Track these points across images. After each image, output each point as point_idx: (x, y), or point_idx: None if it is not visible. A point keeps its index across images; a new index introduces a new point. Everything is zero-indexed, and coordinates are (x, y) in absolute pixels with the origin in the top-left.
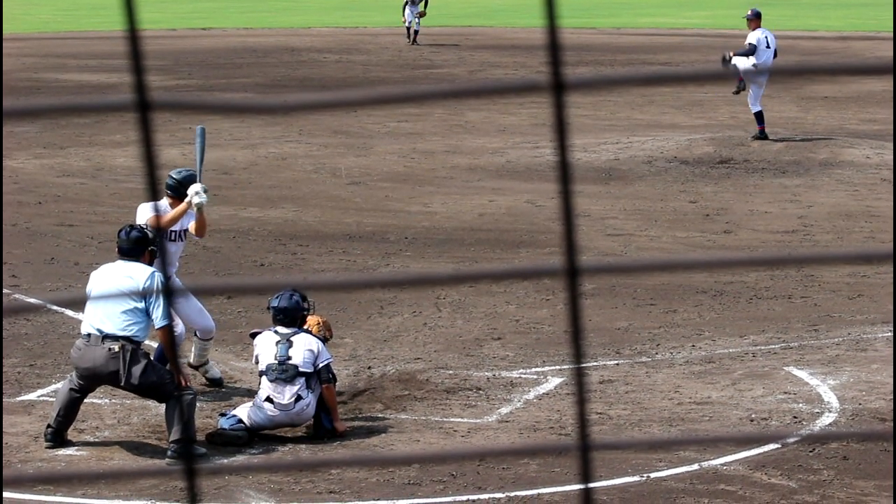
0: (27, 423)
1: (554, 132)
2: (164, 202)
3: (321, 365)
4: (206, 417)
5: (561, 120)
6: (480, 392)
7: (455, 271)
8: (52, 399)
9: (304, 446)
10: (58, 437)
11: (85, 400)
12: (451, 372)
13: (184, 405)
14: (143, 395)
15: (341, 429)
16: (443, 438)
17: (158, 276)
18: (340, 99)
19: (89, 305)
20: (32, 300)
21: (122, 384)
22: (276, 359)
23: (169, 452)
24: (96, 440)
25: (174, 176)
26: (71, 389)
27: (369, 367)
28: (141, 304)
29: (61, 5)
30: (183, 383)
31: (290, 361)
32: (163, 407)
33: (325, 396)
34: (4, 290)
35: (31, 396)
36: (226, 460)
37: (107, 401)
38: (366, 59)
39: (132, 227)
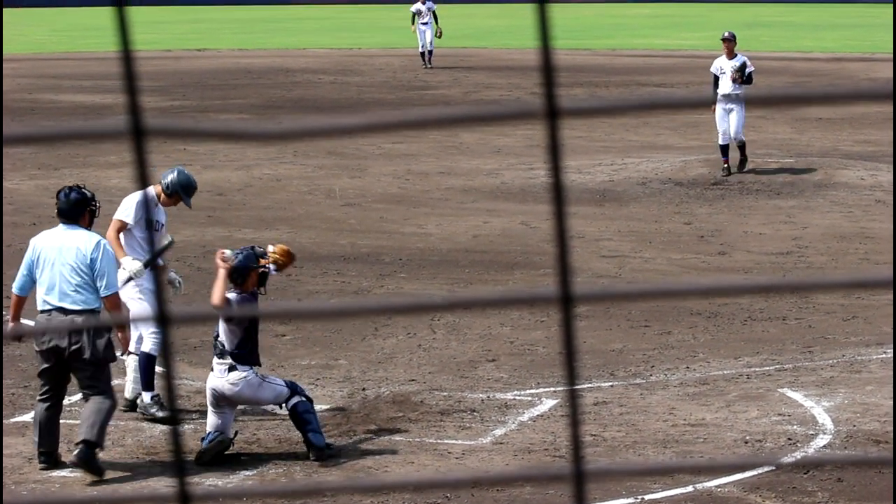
0: (21, 444)
1: (548, 157)
2: (152, 190)
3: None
4: (197, 441)
5: (555, 146)
6: (475, 414)
7: (449, 298)
8: None
9: (298, 468)
10: (50, 458)
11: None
12: (445, 394)
13: (104, 410)
14: (84, 379)
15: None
16: (437, 460)
17: (104, 244)
18: (336, 125)
19: (43, 279)
20: (27, 322)
21: (87, 357)
22: (213, 335)
23: (72, 456)
24: None
25: (170, 176)
26: (41, 407)
27: (364, 389)
28: (93, 275)
29: (56, 26)
30: (124, 346)
31: (217, 338)
32: (156, 427)
33: None
34: None
35: (26, 418)
36: (219, 482)
37: None
38: (360, 80)
39: (71, 188)
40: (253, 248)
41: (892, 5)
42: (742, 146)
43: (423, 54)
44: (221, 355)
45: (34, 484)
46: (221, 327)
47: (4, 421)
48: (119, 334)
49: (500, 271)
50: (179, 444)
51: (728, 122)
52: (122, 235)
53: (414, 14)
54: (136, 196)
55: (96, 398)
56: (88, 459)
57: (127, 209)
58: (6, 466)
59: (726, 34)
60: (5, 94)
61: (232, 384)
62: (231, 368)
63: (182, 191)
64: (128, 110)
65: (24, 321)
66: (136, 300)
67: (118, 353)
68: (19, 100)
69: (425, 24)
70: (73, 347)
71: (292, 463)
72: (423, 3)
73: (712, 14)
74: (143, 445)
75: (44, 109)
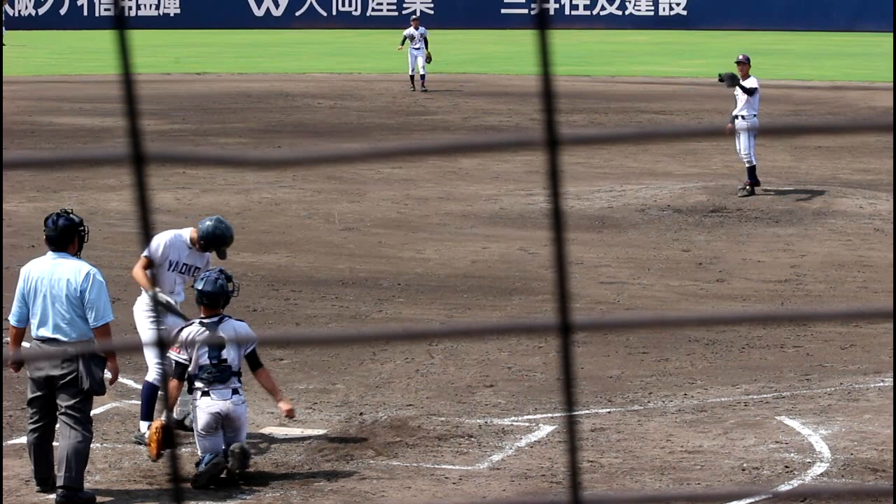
0: (18, 466)
1: (548, 184)
2: (186, 234)
3: (247, 352)
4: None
5: (555, 174)
6: (472, 439)
7: (447, 327)
8: None
9: (294, 492)
10: (46, 483)
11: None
12: (442, 419)
13: (83, 451)
14: (68, 404)
15: (286, 408)
16: (434, 485)
17: (93, 274)
18: (334, 153)
19: (35, 310)
20: (24, 344)
21: (86, 387)
22: (208, 360)
23: (57, 497)
24: (87, 485)
25: (207, 224)
26: (32, 436)
27: (361, 414)
28: (83, 306)
29: (56, 49)
30: (114, 376)
31: (224, 363)
32: (144, 452)
33: (262, 382)
34: None
35: (23, 440)
36: None
37: (98, 445)
38: (360, 105)
39: (59, 215)
40: (222, 270)
41: (891, 34)
42: (750, 170)
43: (412, 78)
44: (227, 379)
45: None
46: (236, 351)
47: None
48: (110, 364)
49: (498, 297)
50: (177, 467)
51: (737, 142)
52: (149, 271)
53: (406, 37)
54: (167, 236)
55: (76, 433)
56: (72, 500)
57: (154, 248)
58: (4, 488)
59: (740, 57)
60: (5, 117)
61: (235, 405)
62: (234, 391)
63: (215, 244)
64: (128, 134)
65: (24, 344)
66: (148, 330)
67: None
68: (19, 122)
69: (417, 48)
70: (69, 377)
71: (289, 487)
72: (416, 28)
73: (712, 42)
74: (141, 469)
75: (43, 132)
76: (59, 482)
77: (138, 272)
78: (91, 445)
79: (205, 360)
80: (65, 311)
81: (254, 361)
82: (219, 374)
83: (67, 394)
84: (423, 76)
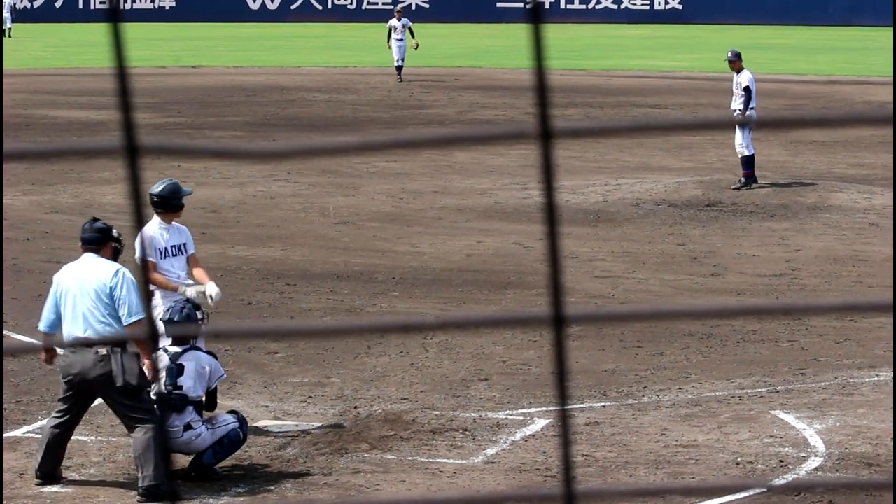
0: (13, 459)
1: (541, 177)
2: (154, 220)
3: (213, 386)
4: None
5: (548, 167)
6: (467, 433)
7: (441, 319)
8: (38, 436)
9: (289, 485)
10: (48, 476)
11: (71, 437)
12: (437, 412)
13: (143, 448)
14: (124, 412)
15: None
16: (428, 479)
17: (123, 272)
18: (327, 145)
19: (67, 312)
20: (21, 337)
21: (120, 385)
22: (164, 388)
23: (140, 490)
24: (82, 478)
25: (156, 192)
26: (53, 427)
27: (356, 407)
28: (114, 304)
29: (51, 42)
30: (149, 374)
31: (179, 391)
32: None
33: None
34: None
35: (17, 433)
36: (211, 499)
37: (92, 438)
38: (355, 98)
39: (96, 219)
40: (189, 300)
41: (886, 28)
42: (742, 162)
43: (398, 68)
44: (182, 408)
45: (25, 499)
46: (196, 382)
47: None
48: (145, 361)
49: (493, 291)
50: (170, 460)
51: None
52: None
53: (390, 29)
54: (142, 232)
55: (141, 428)
56: (155, 495)
57: (140, 249)
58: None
59: (729, 55)
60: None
61: (188, 442)
62: (188, 427)
63: (175, 196)
64: (122, 127)
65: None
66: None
67: None
68: (14, 115)
69: (400, 39)
70: (103, 378)
71: (284, 480)
72: (399, 19)
73: (708, 36)
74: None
75: (39, 125)
76: (139, 482)
77: (157, 278)
78: (105, 438)
79: (161, 387)
80: (94, 308)
81: (210, 402)
82: (171, 401)
83: (118, 401)
84: (399, 67)
